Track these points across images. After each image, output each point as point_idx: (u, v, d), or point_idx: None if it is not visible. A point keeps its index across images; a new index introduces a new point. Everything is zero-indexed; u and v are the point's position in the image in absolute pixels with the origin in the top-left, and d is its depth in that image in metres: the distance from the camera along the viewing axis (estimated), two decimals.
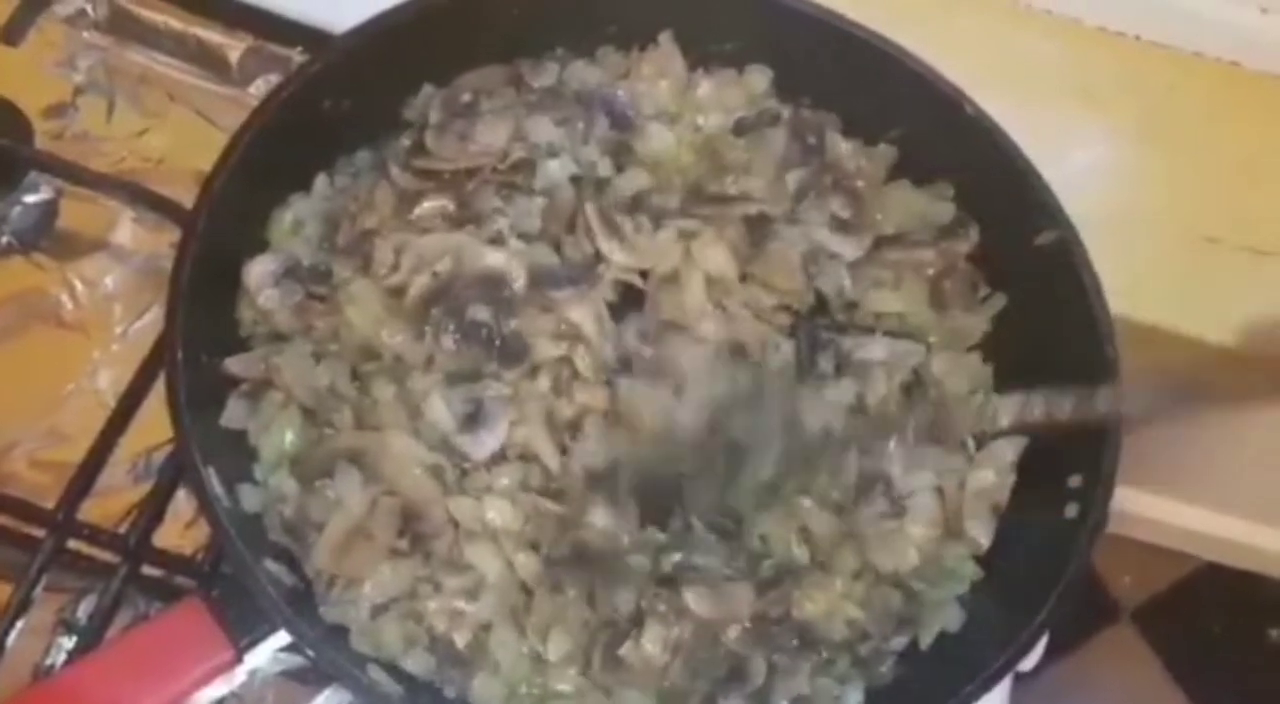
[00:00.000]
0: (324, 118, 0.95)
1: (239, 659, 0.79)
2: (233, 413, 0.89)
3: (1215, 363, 1.16)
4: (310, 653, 0.78)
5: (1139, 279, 0.93)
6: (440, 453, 0.88)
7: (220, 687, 0.80)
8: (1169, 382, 0.87)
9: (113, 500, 0.95)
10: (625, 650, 0.86)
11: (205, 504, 0.80)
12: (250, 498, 0.86)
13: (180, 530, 0.95)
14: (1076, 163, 1.00)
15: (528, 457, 0.90)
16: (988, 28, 1.22)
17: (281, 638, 0.80)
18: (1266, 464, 1.54)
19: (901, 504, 0.92)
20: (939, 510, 0.93)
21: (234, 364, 0.90)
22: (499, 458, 0.89)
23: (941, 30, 1.00)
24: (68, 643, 0.90)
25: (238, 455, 0.87)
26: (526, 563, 0.87)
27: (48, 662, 0.90)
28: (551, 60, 1.02)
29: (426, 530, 0.85)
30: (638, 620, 0.87)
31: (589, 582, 0.87)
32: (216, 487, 0.82)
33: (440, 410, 0.88)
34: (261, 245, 0.94)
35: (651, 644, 0.86)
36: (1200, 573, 1.95)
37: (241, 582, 0.79)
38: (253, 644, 0.79)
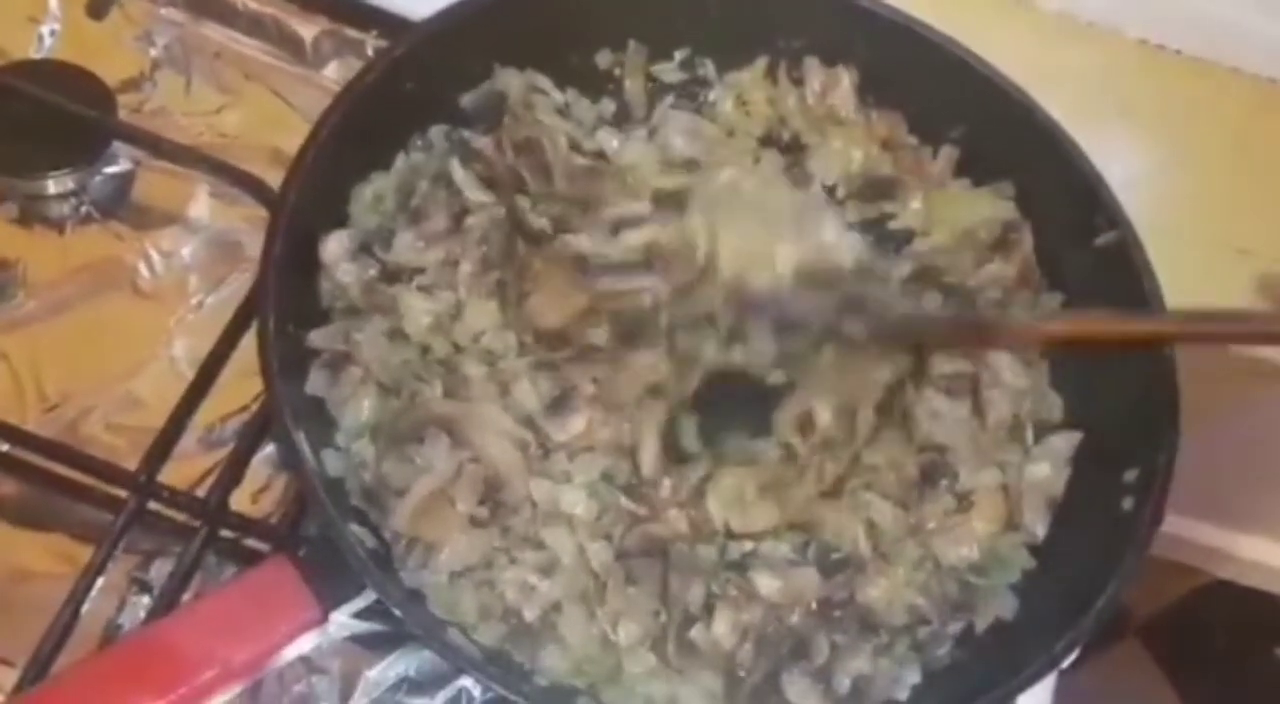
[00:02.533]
0: (406, 98, 0.97)
1: (325, 618, 0.80)
2: (315, 382, 0.90)
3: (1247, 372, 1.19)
4: (397, 612, 0.79)
5: (1171, 290, 0.96)
6: (526, 428, 0.89)
7: (304, 644, 0.81)
8: None
9: (185, 465, 0.96)
10: (696, 634, 0.87)
11: (297, 465, 0.82)
12: (333, 463, 0.87)
13: (252, 495, 0.96)
14: (1113, 175, 1.02)
15: (622, 450, 0.91)
16: (1029, 38, 1.25)
17: (363, 600, 0.81)
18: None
19: (968, 500, 0.94)
20: (1003, 505, 0.94)
21: (316, 337, 0.91)
22: (583, 448, 0.90)
23: (983, 40, 1.02)
24: (141, 602, 0.92)
25: (320, 421, 0.89)
26: (599, 552, 0.89)
27: (119, 620, 0.92)
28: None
29: (507, 501, 0.87)
30: (708, 606, 0.88)
31: (661, 576, 0.88)
32: (306, 449, 0.83)
33: (527, 393, 0.90)
34: (342, 220, 0.96)
35: (722, 627, 0.87)
36: (1207, 589, 1.96)
37: (329, 542, 0.80)
38: (338, 604, 0.80)
